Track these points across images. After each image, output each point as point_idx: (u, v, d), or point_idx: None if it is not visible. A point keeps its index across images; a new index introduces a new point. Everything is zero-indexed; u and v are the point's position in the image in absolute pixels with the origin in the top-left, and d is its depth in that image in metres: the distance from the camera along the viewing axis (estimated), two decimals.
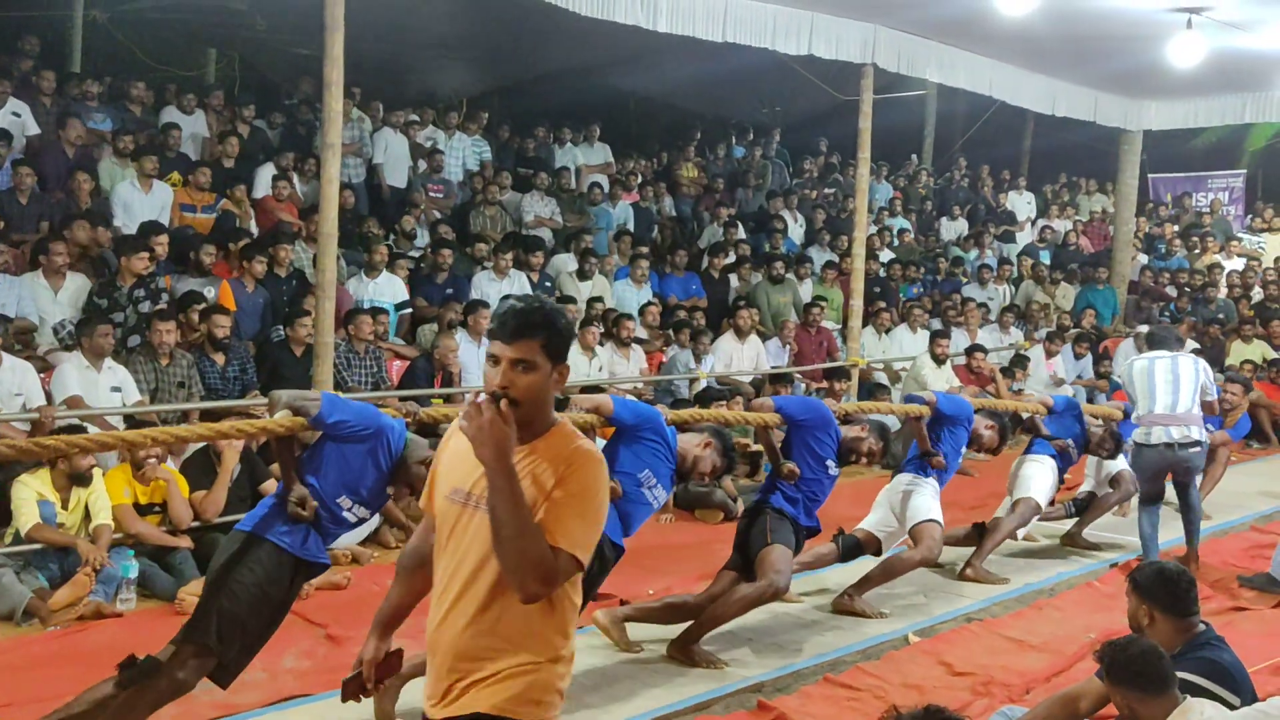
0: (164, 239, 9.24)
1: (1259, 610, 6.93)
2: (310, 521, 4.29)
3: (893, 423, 8.19)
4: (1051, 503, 8.02)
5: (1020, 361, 12.69)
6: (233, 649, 4.21)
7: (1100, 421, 8.14)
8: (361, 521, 4.70)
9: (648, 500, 5.23)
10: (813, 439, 5.99)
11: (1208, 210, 19.85)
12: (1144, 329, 9.08)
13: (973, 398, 7.93)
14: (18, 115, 10.50)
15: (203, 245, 9.42)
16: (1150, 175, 20.17)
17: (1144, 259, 17.58)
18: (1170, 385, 7.52)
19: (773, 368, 11.60)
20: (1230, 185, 20.20)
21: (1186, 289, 16.22)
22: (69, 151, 10.33)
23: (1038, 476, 7.62)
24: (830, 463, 6.05)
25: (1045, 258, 17.00)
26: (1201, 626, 4.36)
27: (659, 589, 6.68)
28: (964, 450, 7.13)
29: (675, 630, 5.74)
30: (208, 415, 7.63)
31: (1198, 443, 7.57)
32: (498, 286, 10.97)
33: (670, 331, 11.52)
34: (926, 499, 6.69)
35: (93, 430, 6.93)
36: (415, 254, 11.43)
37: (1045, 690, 5.39)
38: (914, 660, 5.86)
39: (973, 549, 7.48)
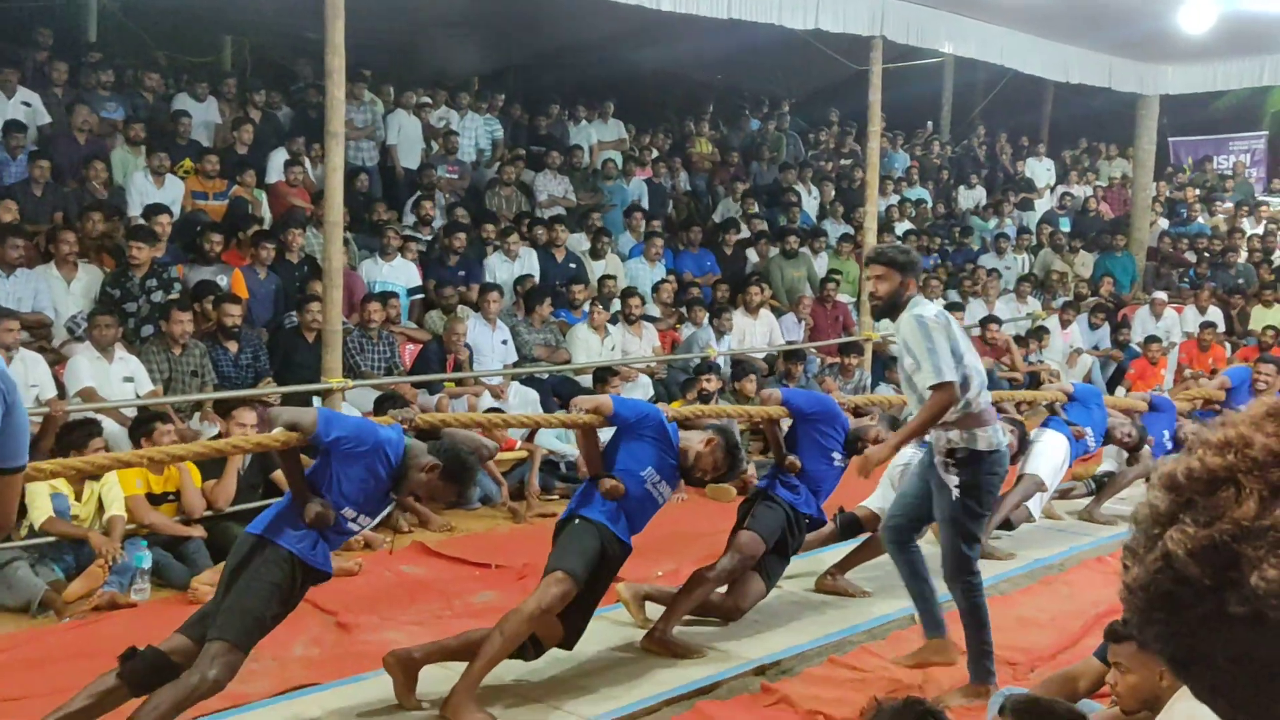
0: (164, 219, 9.29)
1: None
2: (328, 526, 4.36)
3: None
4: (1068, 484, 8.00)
5: (1038, 332, 12.64)
6: (253, 645, 4.31)
7: (1125, 417, 8.15)
8: (363, 529, 4.77)
9: (654, 497, 5.25)
10: (818, 432, 5.98)
11: (1230, 173, 19.66)
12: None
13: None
14: (28, 105, 10.60)
15: (212, 233, 9.48)
16: (1170, 139, 19.97)
17: (1164, 224, 17.44)
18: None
19: (787, 343, 11.61)
20: (1252, 147, 19.97)
21: (1206, 254, 16.08)
22: (81, 141, 10.41)
23: (1046, 454, 7.60)
24: (836, 455, 6.04)
25: (1065, 225, 16.88)
26: None
27: (667, 571, 6.74)
28: None
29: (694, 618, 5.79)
30: (220, 405, 7.75)
31: None
32: (510, 268, 11.01)
33: (684, 309, 11.53)
34: None
35: (106, 421, 7.05)
36: (428, 237, 11.47)
37: (1050, 667, 5.40)
38: (920, 640, 5.87)
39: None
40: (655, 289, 11.73)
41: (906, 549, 5.37)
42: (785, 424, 6.09)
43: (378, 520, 5.62)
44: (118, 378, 7.61)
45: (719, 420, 5.99)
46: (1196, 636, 0.93)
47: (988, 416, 5.02)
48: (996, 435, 5.06)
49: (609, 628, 5.76)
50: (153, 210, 9.34)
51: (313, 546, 4.36)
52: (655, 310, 11.55)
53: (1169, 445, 8.66)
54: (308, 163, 11.48)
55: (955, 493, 4.97)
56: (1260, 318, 14.04)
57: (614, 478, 5.11)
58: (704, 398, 9.19)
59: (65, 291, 8.52)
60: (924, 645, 5.41)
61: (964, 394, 4.90)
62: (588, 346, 10.20)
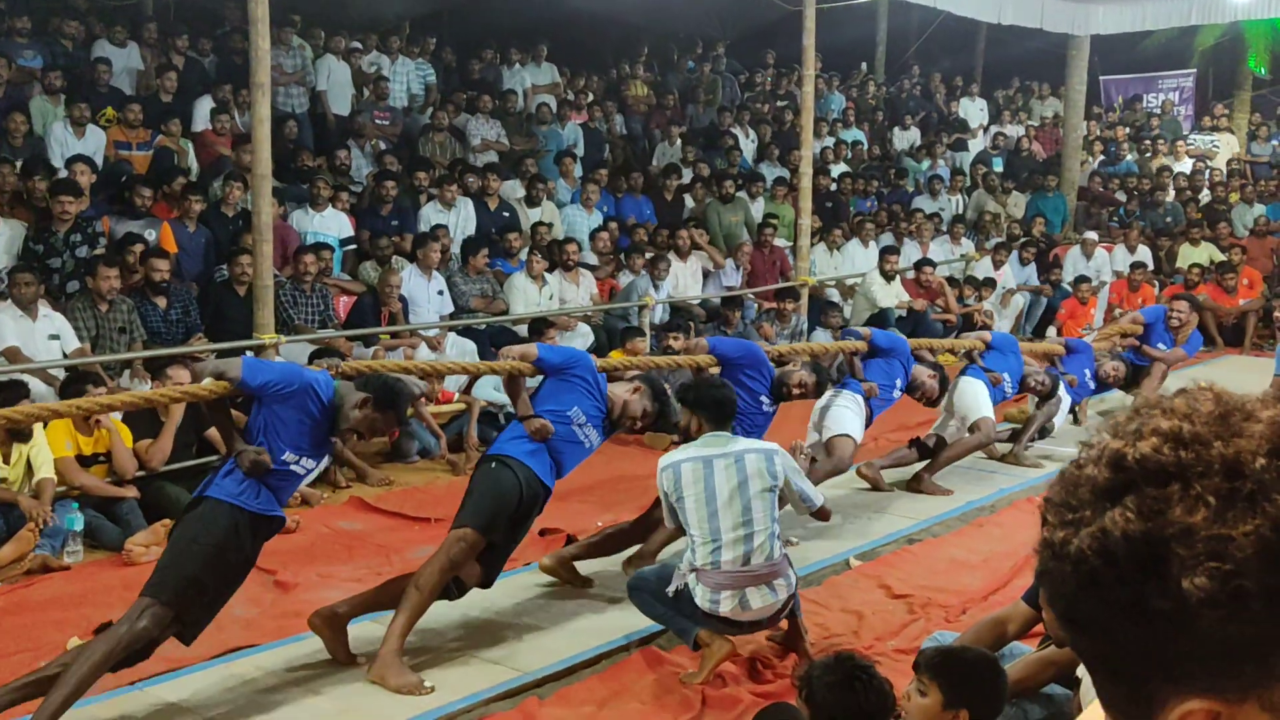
0: (84, 167, 9.06)
1: None
2: (267, 472, 4.35)
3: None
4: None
5: (984, 284, 12.72)
6: (192, 605, 4.28)
7: (1038, 366, 8.34)
8: (311, 472, 4.77)
9: (579, 439, 5.26)
10: (745, 376, 6.11)
11: (1158, 111, 19.87)
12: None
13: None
14: None
15: (138, 185, 9.26)
16: (1101, 78, 20.12)
17: (1095, 164, 17.61)
18: (740, 509, 4.69)
19: (725, 289, 11.62)
20: (1180, 85, 20.18)
21: (1135, 193, 16.29)
22: None
23: (984, 395, 7.74)
24: (764, 399, 6.16)
25: (998, 165, 16.99)
26: None
27: (608, 521, 6.75)
28: (901, 387, 7.24)
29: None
30: (151, 363, 7.61)
31: (780, 611, 4.83)
32: (445, 217, 10.88)
33: (622, 256, 11.47)
34: (844, 412, 6.92)
35: (32, 381, 6.90)
36: (358, 187, 11.29)
37: (981, 608, 5.51)
38: (854, 585, 5.96)
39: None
40: (592, 236, 11.67)
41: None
42: (715, 372, 6.17)
43: (321, 465, 5.62)
44: (43, 336, 7.44)
45: (646, 371, 6.03)
46: (1107, 612, 0.92)
47: (715, 580, 4.66)
48: (718, 603, 4.66)
49: (548, 581, 5.79)
50: (71, 161, 9.11)
51: (255, 495, 4.36)
52: (593, 258, 11.49)
53: (1092, 385, 8.88)
54: (235, 111, 11.23)
55: (680, 590, 4.76)
56: (1187, 256, 14.27)
57: (541, 418, 5.13)
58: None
59: None
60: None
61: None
62: (525, 296, 10.14)
